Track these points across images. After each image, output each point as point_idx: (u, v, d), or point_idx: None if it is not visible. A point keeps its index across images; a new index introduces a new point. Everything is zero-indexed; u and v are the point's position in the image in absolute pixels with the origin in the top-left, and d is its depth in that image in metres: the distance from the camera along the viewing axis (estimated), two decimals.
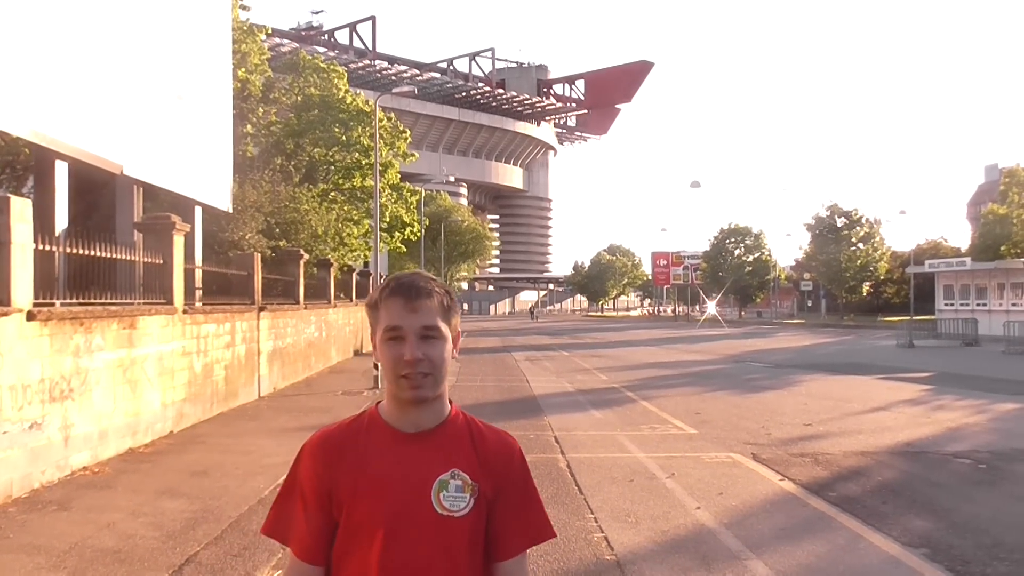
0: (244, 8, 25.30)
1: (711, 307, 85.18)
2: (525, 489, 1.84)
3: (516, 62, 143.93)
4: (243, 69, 24.10)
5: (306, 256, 20.95)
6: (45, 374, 8.03)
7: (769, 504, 7.56)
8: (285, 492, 1.82)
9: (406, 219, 34.57)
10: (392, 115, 34.63)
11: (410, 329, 1.72)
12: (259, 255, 16.85)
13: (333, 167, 29.90)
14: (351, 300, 27.55)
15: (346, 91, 30.57)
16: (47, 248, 8.55)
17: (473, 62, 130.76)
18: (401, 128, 34.19)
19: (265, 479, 8.37)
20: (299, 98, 29.37)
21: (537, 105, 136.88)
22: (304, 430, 11.53)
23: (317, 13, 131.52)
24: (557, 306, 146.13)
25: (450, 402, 1.84)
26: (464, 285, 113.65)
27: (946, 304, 45.50)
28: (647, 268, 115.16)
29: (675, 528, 6.71)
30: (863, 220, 68.30)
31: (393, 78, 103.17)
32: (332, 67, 31.11)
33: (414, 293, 1.73)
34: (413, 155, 35.90)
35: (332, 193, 28.95)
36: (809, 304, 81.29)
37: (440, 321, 1.75)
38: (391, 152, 32.94)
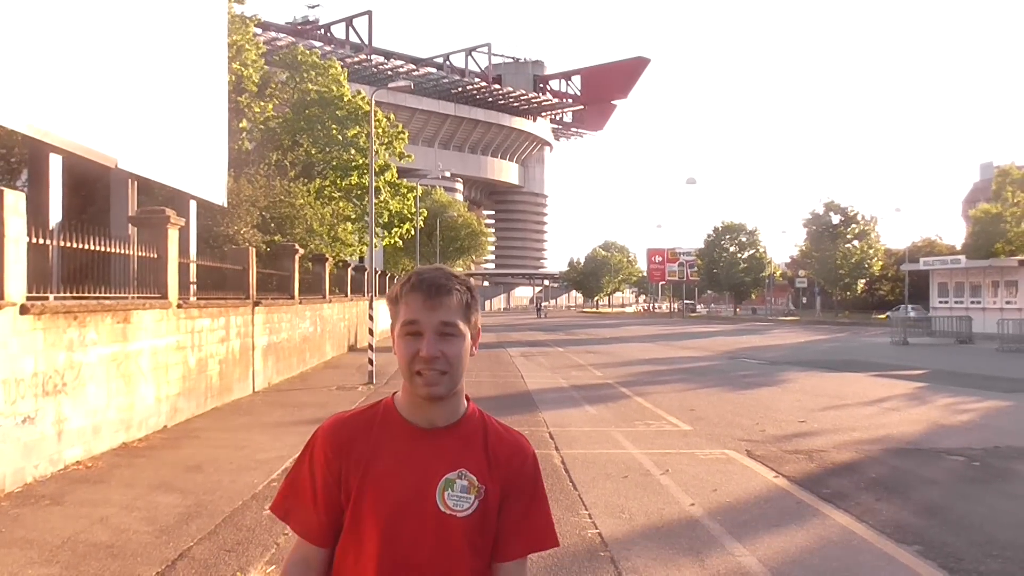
0: (239, 2, 25.21)
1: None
2: (533, 495, 1.82)
3: (512, 58, 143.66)
4: (237, 63, 24.02)
5: (301, 251, 20.90)
6: (38, 368, 8.00)
7: (763, 500, 7.57)
8: (295, 473, 1.82)
9: (407, 213, 34.52)
10: (391, 115, 34.49)
11: (428, 325, 1.71)
12: (254, 250, 16.80)
13: (330, 166, 29.83)
14: (346, 295, 27.52)
15: (345, 88, 30.45)
16: (41, 242, 8.53)
17: (469, 57, 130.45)
18: (400, 129, 34.05)
19: (259, 474, 8.36)
20: (296, 94, 29.28)
21: (533, 101, 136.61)
22: (299, 425, 11.52)
23: (313, 7, 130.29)
24: (553, 302, 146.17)
25: (468, 400, 1.83)
26: None
27: (940, 302, 45.63)
28: (642, 264, 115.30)
29: (669, 524, 6.72)
30: (859, 217, 68.45)
31: (389, 73, 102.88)
32: (330, 63, 31.00)
33: (434, 290, 1.72)
34: (409, 156, 35.80)
35: (328, 189, 28.91)
36: (804, 301, 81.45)
37: (459, 319, 1.74)
38: (388, 152, 32.83)
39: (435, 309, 1.71)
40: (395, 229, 34.43)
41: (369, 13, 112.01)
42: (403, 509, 1.70)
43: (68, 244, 9.09)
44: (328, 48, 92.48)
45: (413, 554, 1.69)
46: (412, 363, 1.70)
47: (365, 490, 1.72)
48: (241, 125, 25.18)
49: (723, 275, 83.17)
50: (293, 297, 19.40)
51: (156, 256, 11.35)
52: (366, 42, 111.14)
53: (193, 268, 13.50)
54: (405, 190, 35.09)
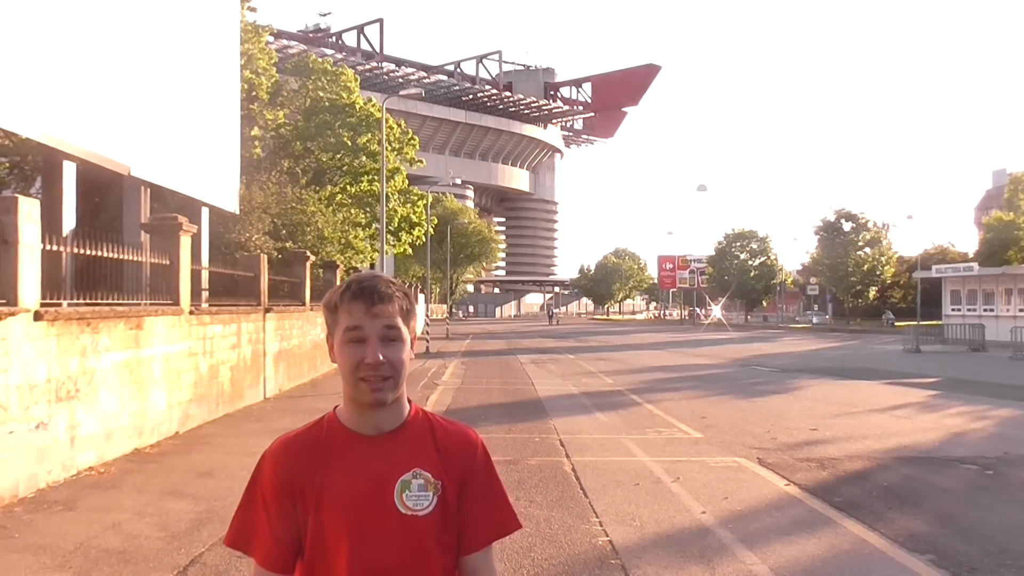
0: (252, 10, 25.38)
1: (716, 310, 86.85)
2: (489, 483, 1.84)
3: (523, 65, 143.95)
4: (249, 70, 24.16)
5: (312, 258, 20.98)
6: (52, 374, 8.05)
7: (774, 508, 7.54)
8: (247, 501, 1.82)
9: (415, 219, 34.59)
10: (402, 121, 34.62)
11: (372, 331, 1.71)
12: (265, 256, 16.87)
13: (340, 172, 29.91)
14: None
15: (356, 95, 30.53)
16: (54, 248, 8.58)
17: (480, 65, 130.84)
18: (410, 135, 34.15)
19: None
20: (307, 101, 29.39)
21: (544, 108, 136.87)
22: None
23: (324, 15, 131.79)
24: (563, 309, 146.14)
25: (409, 402, 1.84)
26: (470, 287, 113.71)
27: (953, 309, 45.38)
28: (653, 271, 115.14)
29: (680, 532, 6.70)
30: (870, 224, 68.18)
31: (400, 80, 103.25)
32: (341, 70, 31.10)
33: (376, 298, 1.72)
34: (421, 161, 35.89)
35: (339, 196, 28.98)
36: (816, 308, 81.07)
37: (401, 323, 1.75)
38: (399, 157, 32.93)
39: (378, 315, 1.72)
40: (404, 235, 34.48)
41: (380, 21, 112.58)
42: (365, 517, 1.70)
43: (81, 251, 9.15)
44: (339, 56, 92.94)
45: (381, 560, 1.69)
46: (357, 370, 1.71)
47: (322, 505, 1.72)
48: (253, 132, 25.32)
49: (734, 282, 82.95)
50: (304, 304, 19.46)
51: (168, 263, 11.41)
52: (377, 50, 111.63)
53: (205, 275, 13.56)
54: (416, 197, 35.18)
